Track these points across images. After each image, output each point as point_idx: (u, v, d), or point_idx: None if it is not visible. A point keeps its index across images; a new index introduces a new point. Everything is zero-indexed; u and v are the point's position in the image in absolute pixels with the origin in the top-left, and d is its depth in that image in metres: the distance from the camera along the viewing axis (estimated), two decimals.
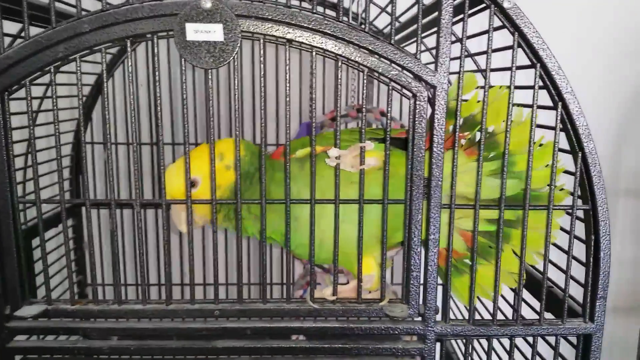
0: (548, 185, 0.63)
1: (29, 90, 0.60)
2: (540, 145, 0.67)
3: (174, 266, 1.21)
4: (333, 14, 1.13)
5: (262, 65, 0.58)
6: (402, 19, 0.97)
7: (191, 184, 0.66)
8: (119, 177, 1.15)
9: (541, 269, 0.64)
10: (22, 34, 0.59)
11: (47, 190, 1.01)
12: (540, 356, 0.68)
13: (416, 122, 0.58)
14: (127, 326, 0.63)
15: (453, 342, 1.15)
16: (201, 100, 1.24)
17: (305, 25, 0.56)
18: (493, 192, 0.67)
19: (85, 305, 0.63)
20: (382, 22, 1.03)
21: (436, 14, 0.58)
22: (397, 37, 1.02)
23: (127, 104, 0.61)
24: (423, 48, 0.97)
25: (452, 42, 0.59)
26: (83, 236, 1.22)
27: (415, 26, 0.60)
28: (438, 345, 0.65)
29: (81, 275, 1.22)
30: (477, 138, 0.69)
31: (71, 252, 1.17)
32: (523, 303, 0.73)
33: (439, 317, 0.64)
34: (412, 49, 0.62)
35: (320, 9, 1.12)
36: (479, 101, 0.67)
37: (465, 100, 0.71)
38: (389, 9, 0.67)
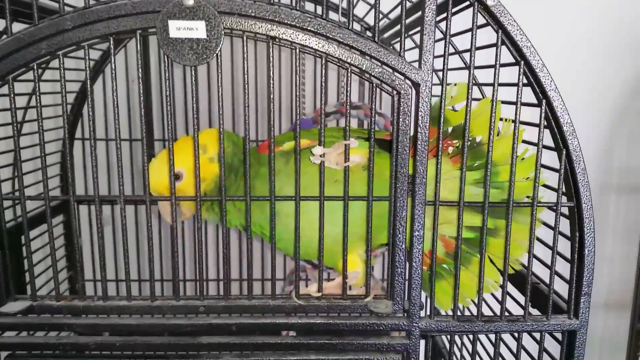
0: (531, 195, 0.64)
1: (11, 87, 0.60)
2: (523, 159, 0.69)
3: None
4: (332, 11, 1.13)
5: (245, 62, 0.58)
6: (392, 16, 0.97)
7: (175, 177, 0.66)
8: (109, 173, 1.15)
9: (526, 265, 0.64)
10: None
11: (39, 185, 1.01)
12: (526, 350, 0.68)
13: (400, 120, 0.58)
14: (112, 322, 0.63)
15: (444, 337, 1.15)
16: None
17: (288, 22, 0.56)
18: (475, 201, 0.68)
19: (70, 302, 0.63)
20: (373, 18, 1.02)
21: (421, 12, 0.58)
22: (387, 34, 1.02)
23: (112, 101, 0.61)
24: (412, 45, 0.97)
25: (437, 40, 0.59)
26: (75, 231, 1.22)
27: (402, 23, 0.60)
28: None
29: (72, 270, 1.22)
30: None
31: (62, 248, 1.19)
32: (510, 298, 0.74)
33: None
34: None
35: (311, 5, 1.12)
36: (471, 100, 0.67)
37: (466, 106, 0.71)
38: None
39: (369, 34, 1.10)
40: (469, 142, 0.71)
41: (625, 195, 1.46)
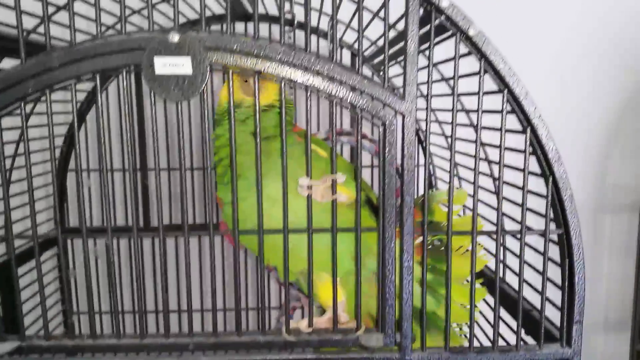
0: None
1: None
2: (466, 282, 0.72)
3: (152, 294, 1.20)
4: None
5: (231, 96, 0.58)
6: (382, 41, 0.98)
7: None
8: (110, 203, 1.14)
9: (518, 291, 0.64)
10: None
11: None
12: None
13: (386, 150, 0.59)
14: None
15: None
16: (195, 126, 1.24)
17: (272, 56, 0.57)
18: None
19: (60, 341, 0.62)
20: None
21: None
22: (376, 60, 1.03)
23: (98, 135, 0.61)
24: (401, 70, 0.98)
25: (421, 68, 0.60)
26: (68, 264, 1.22)
27: (390, 51, 0.60)
28: None
29: (64, 305, 1.21)
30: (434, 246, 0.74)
31: (57, 280, 1.19)
32: (504, 324, 0.73)
33: None
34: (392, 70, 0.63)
35: (301, 33, 1.14)
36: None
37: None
38: (367, 33, 0.68)
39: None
40: (439, 243, 0.75)
41: (620, 214, 1.46)
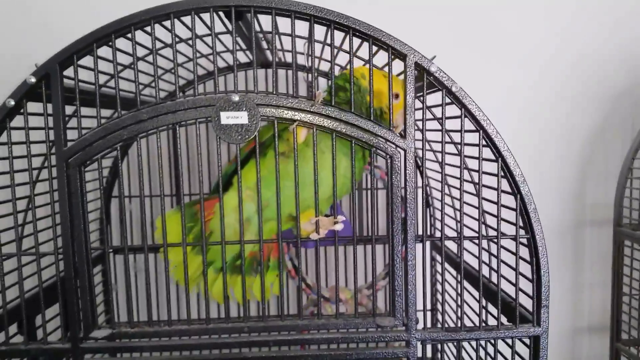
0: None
1: (100, 164, 0.79)
2: None
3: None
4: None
5: (276, 142, 0.78)
6: None
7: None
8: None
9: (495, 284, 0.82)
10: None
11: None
12: (502, 354, 0.85)
13: (393, 177, 0.78)
14: (175, 343, 0.80)
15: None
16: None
17: (306, 109, 0.77)
18: None
19: (142, 328, 0.81)
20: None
21: None
22: None
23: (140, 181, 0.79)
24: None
25: (418, 109, 0.79)
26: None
27: None
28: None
29: (110, 314, 1.39)
30: None
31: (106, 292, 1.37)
32: (484, 310, 0.91)
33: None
34: None
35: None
36: None
37: None
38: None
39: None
40: None
41: (598, 228, 1.65)
